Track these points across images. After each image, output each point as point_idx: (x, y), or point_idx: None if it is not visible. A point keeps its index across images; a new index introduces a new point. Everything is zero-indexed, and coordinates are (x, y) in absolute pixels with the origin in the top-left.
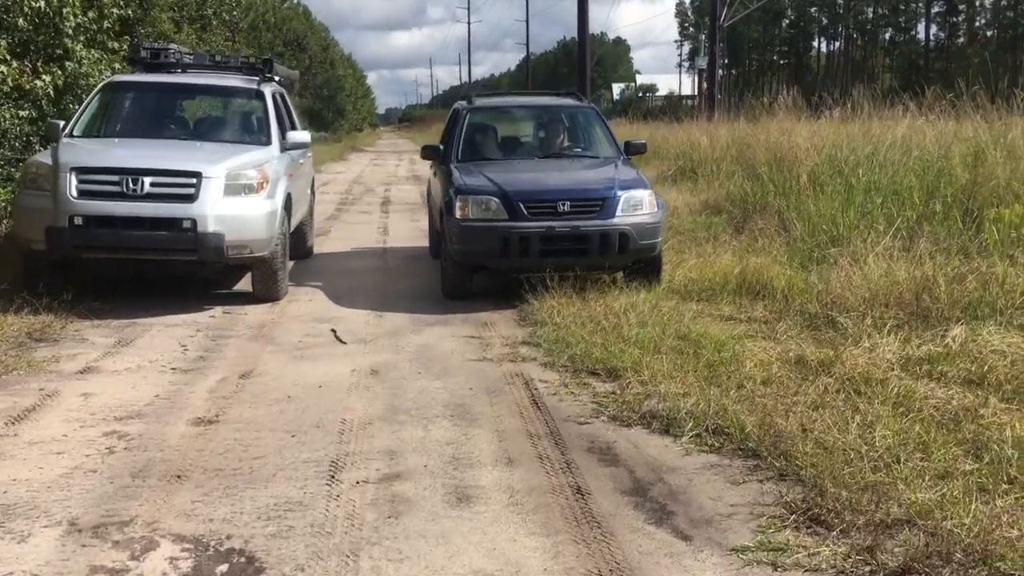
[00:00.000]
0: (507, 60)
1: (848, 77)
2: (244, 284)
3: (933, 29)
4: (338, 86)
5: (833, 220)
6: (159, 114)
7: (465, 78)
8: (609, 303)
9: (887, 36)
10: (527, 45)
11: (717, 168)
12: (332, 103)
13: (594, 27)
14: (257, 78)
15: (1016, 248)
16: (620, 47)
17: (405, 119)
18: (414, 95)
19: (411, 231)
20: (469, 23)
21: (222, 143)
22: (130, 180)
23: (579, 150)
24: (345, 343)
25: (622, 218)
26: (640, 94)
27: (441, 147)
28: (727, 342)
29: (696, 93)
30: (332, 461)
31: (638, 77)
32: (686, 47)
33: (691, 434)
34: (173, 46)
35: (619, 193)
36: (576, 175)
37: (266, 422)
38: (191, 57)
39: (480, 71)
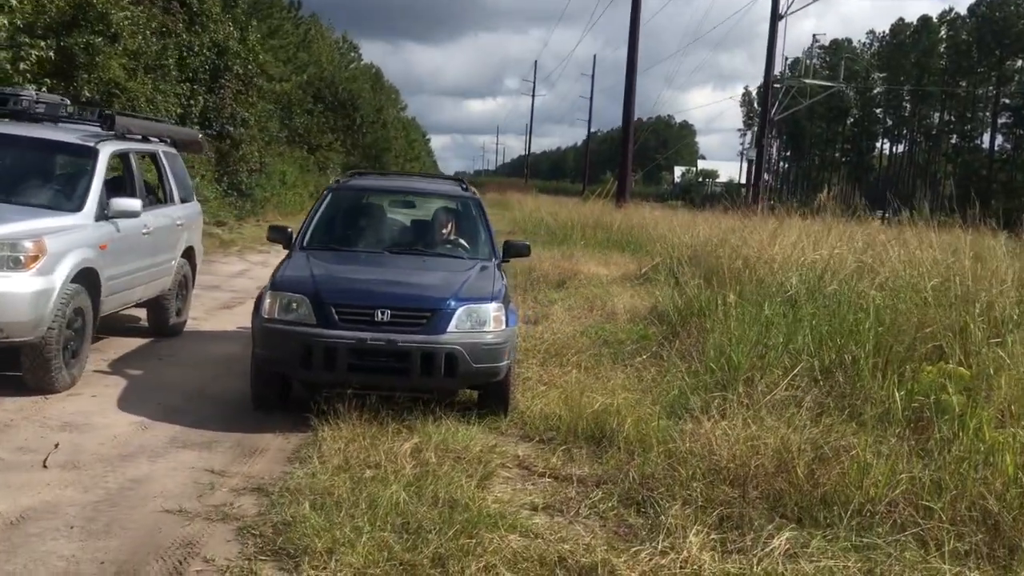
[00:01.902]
0: (574, 134)
1: (910, 180)
2: None
3: (999, 140)
4: (385, 147)
5: (729, 356)
6: None
7: (531, 149)
8: (410, 437)
9: (952, 142)
10: (589, 122)
11: (682, 269)
12: (379, 163)
13: (663, 110)
14: (111, 134)
15: (905, 427)
16: (686, 131)
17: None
18: (481, 160)
19: None
20: (533, 96)
21: (16, 205)
22: None
23: (448, 247)
24: (46, 467)
25: (454, 335)
26: (700, 179)
27: (289, 229)
28: (491, 521)
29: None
30: None
31: (702, 162)
32: (749, 136)
33: None
34: (30, 92)
35: (455, 305)
36: (411, 278)
37: None
38: (42, 106)
39: (548, 143)
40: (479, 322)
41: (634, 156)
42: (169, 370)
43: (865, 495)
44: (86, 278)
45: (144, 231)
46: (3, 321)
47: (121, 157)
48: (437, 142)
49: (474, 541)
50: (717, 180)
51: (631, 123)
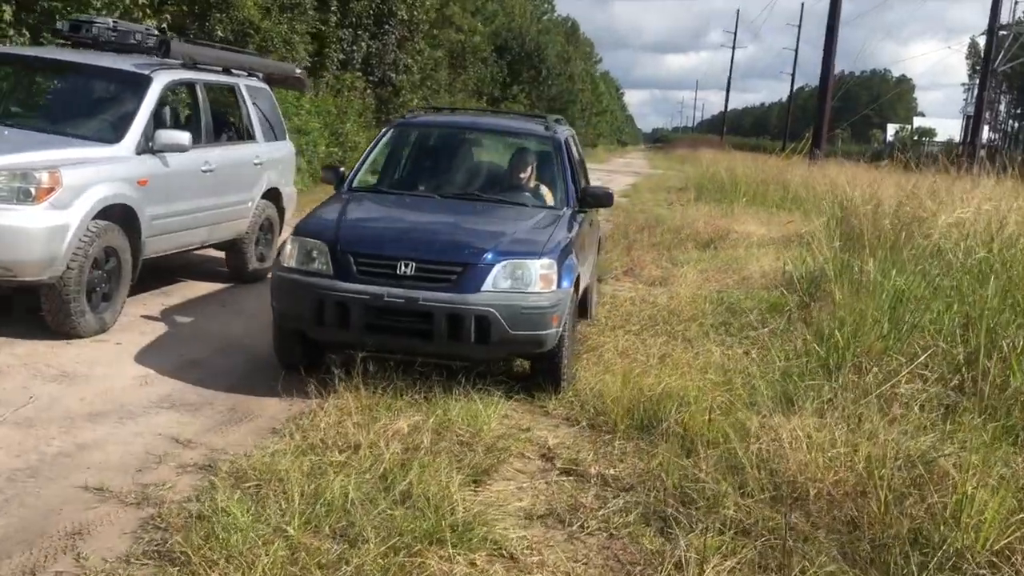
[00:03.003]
0: (780, 89)
1: None
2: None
3: None
4: (570, 100)
5: (837, 337)
6: (11, 93)
7: (733, 104)
8: (421, 413)
9: None
10: (792, 76)
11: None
12: (564, 116)
13: (877, 62)
14: (177, 63)
15: None
16: (903, 86)
17: (659, 140)
18: (679, 117)
19: None
20: (734, 48)
21: (48, 134)
22: None
23: (526, 194)
24: None
25: (488, 295)
26: (915, 137)
27: (342, 169)
28: (455, 532)
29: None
30: None
31: (919, 120)
32: (973, 92)
33: None
34: (104, 20)
35: (492, 259)
36: (449, 226)
37: None
38: (115, 34)
39: (752, 98)
40: (522, 281)
41: (841, 112)
42: (222, 319)
43: (966, 538)
44: (121, 216)
45: (205, 168)
46: (9, 259)
47: (187, 88)
48: (635, 97)
49: (416, 560)
50: (934, 139)
51: (830, 75)
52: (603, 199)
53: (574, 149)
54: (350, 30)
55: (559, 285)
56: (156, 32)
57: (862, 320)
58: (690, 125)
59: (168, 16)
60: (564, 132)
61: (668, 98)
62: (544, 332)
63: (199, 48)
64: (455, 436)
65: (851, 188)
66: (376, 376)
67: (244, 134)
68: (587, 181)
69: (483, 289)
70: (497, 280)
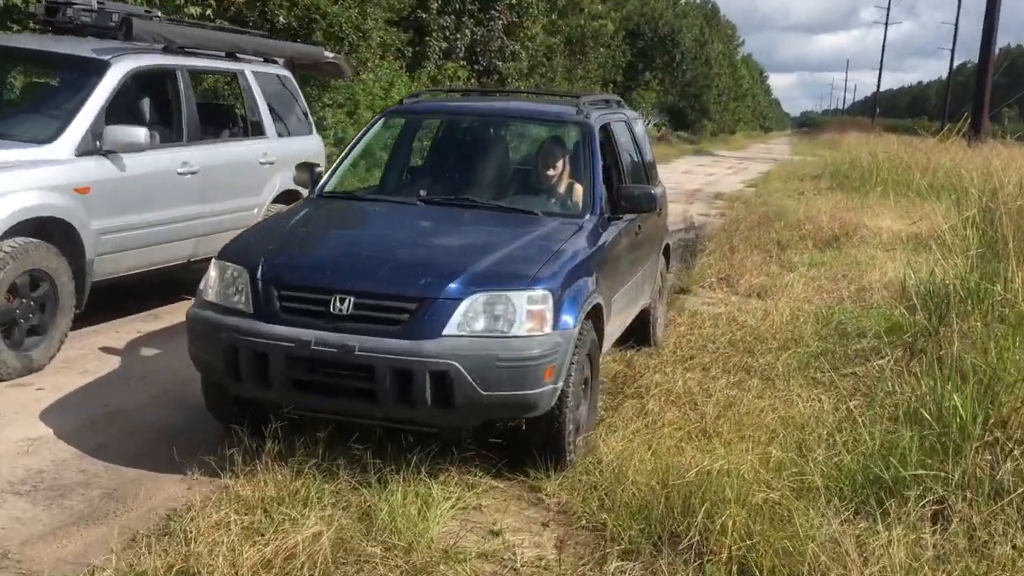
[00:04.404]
0: (940, 67)
1: None
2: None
3: None
4: (705, 84)
5: (954, 400)
6: None
7: (888, 84)
8: (337, 510)
9: None
10: (952, 52)
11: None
12: (697, 102)
13: None
14: (156, 47)
15: None
16: None
17: (805, 124)
18: (829, 99)
19: None
20: (887, 25)
21: None
22: None
23: (547, 196)
24: None
25: (451, 342)
26: None
27: (319, 168)
28: None
29: None
30: None
31: None
32: None
33: None
34: (87, 1)
35: (458, 290)
36: (409, 245)
37: None
38: (89, 16)
39: (909, 78)
40: (502, 320)
41: (1008, 89)
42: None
43: None
44: (54, 231)
45: (183, 170)
46: None
47: (167, 76)
48: (782, 81)
49: None
50: None
51: (991, 48)
52: (640, 202)
53: (620, 139)
54: (452, 17)
55: (556, 324)
56: (144, 12)
57: (1000, 370)
58: (841, 107)
59: (213, 2)
60: (605, 117)
61: (817, 80)
62: (532, 391)
63: (180, 28)
64: (371, 553)
65: (1004, 175)
66: (303, 447)
67: (249, 129)
68: (650, 179)
69: (445, 333)
70: (466, 320)
